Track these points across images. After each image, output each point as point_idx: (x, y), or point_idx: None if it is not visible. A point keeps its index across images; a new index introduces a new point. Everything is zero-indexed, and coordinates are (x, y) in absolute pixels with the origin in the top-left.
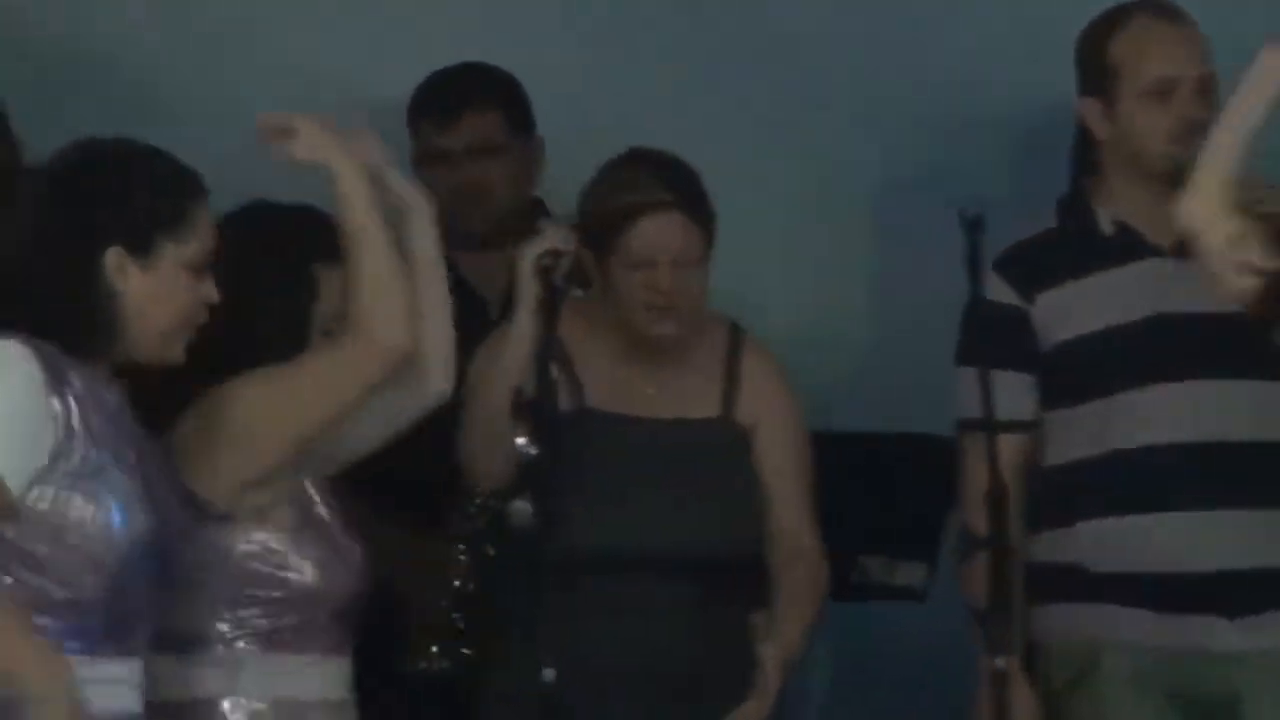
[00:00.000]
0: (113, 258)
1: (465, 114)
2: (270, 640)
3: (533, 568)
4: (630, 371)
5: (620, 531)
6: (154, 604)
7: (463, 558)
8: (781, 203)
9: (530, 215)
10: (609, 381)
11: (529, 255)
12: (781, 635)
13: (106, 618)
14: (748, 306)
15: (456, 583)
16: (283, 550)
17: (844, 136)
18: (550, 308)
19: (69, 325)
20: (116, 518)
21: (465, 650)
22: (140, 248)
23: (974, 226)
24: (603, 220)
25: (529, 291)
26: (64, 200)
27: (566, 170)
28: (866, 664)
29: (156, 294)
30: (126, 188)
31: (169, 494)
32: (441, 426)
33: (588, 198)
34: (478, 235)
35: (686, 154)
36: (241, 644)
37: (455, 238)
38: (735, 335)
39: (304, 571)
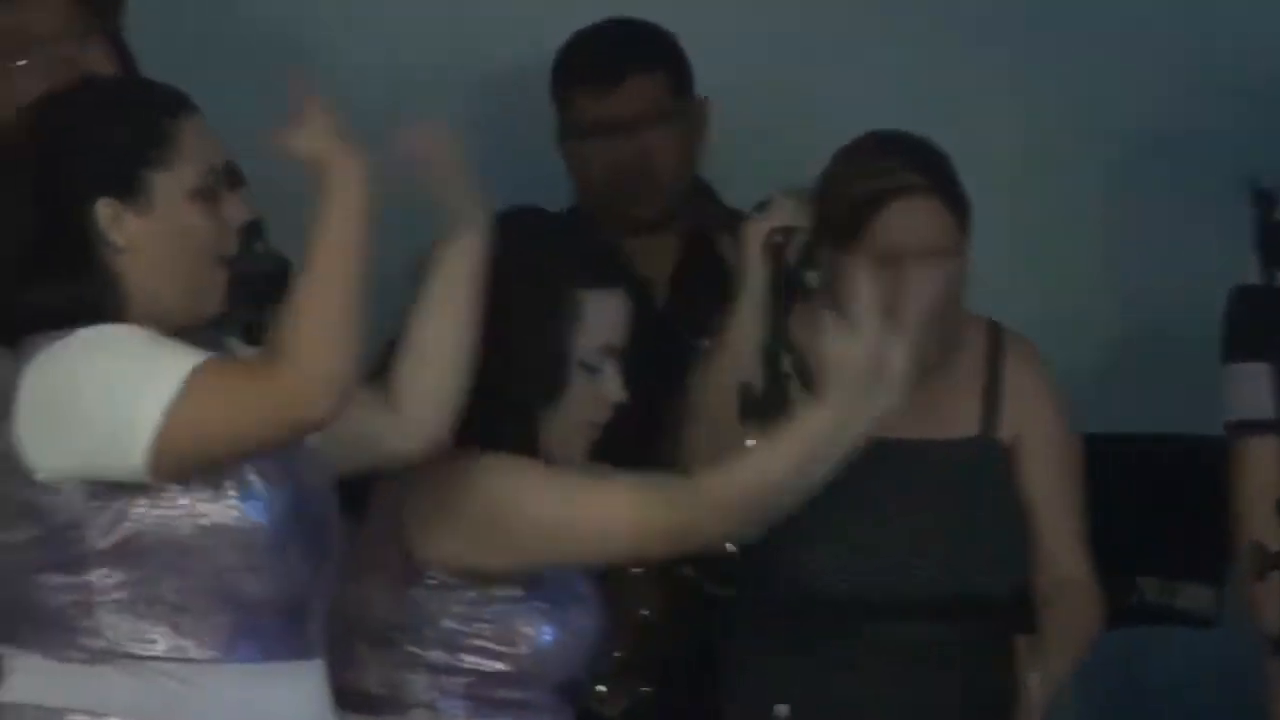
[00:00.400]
0: (104, 210)
1: (629, 77)
2: (479, 710)
3: (760, 598)
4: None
5: (864, 570)
6: (323, 595)
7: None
8: (1008, 181)
9: (697, 192)
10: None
11: (756, 231)
12: (1048, 668)
13: (275, 615)
14: (975, 300)
15: (645, 612)
16: (504, 619)
17: (1083, 103)
18: (780, 292)
19: (64, 307)
20: (249, 506)
21: (644, 688)
22: (126, 189)
23: (1265, 200)
24: (843, 211)
25: (756, 274)
26: (31, 167)
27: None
28: (1140, 699)
29: (165, 236)
30: (88, 130)
31: (315, 475)
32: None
33: (823, 186)
34: (644, 216)
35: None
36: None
37: (613, 220)
38: (995, 336)
39: (523, 643)
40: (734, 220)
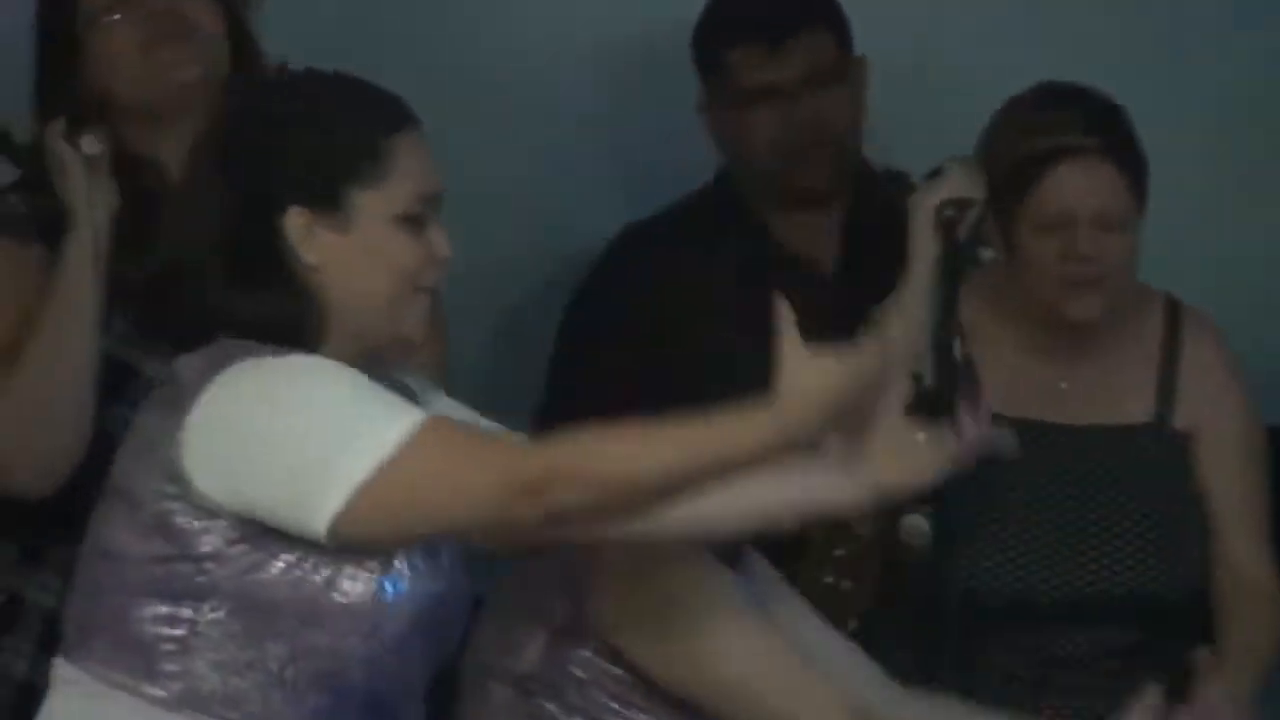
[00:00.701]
0: (294, 220)
1: (798, 35)
2: None
3: (926, 598)
4: (1039, 364)
5: (1029, 569)
6: (424, 683)
7: (827, 579)
8: (1197, 143)
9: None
10: (1011, 376)
11: (927, 205)
12: (1228, 682)
13: (368, 693)
14: (1160, 277)
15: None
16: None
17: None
18: (953, 271)
19: (263, 314)
20: (393, 595)
21: None
22: (325, 202)
23: None
24: (1007, 171)
25: (926, 251)
26: (226, 164)
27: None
28: None
29: (360, 258)
30: (293, 131)
31: (462, 576)
32: None
33: (985, 144)
34: (816, 186)
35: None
36: None
37: (777, 192)
38: (1173, 314)
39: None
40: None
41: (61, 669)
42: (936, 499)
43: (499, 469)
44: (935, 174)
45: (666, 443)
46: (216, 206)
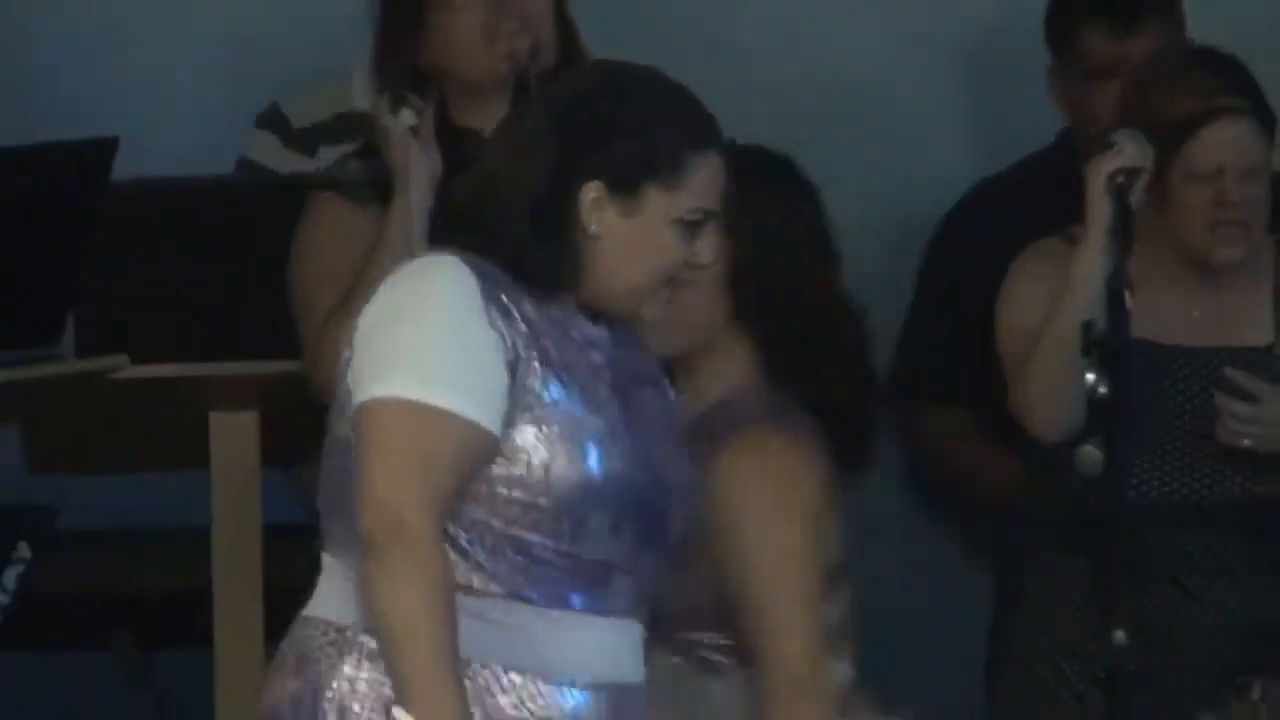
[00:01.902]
0: (590, 193)
1: (1145, 17)
2: None
3: (1101, 521)
4: (1178, 296)
5: (1176, 479)
6: (649, 571)
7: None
8: None
9: None
10: (1154, 309)
11: (1102, 173)
12: None
13: (589, 570)
14: None
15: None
16: None
17: None
18: (1125, 230)
19: (533, 256)
20: (591, 459)
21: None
22: (623, 188)
23: None
24: (1161, 128)
25: (1100, 212)
26: (554, 126)
27: None
28: None
29: (633, 243)
30: (620, 120)
31: (670, 454)
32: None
33: (1133, 105)
34: None
35: None
36: None
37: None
38: None
39: None
40: None
41: (324, 559)
42: (1110, 432)
43: (381, 490)
44: (1108, 144)
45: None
46: (531, 163)
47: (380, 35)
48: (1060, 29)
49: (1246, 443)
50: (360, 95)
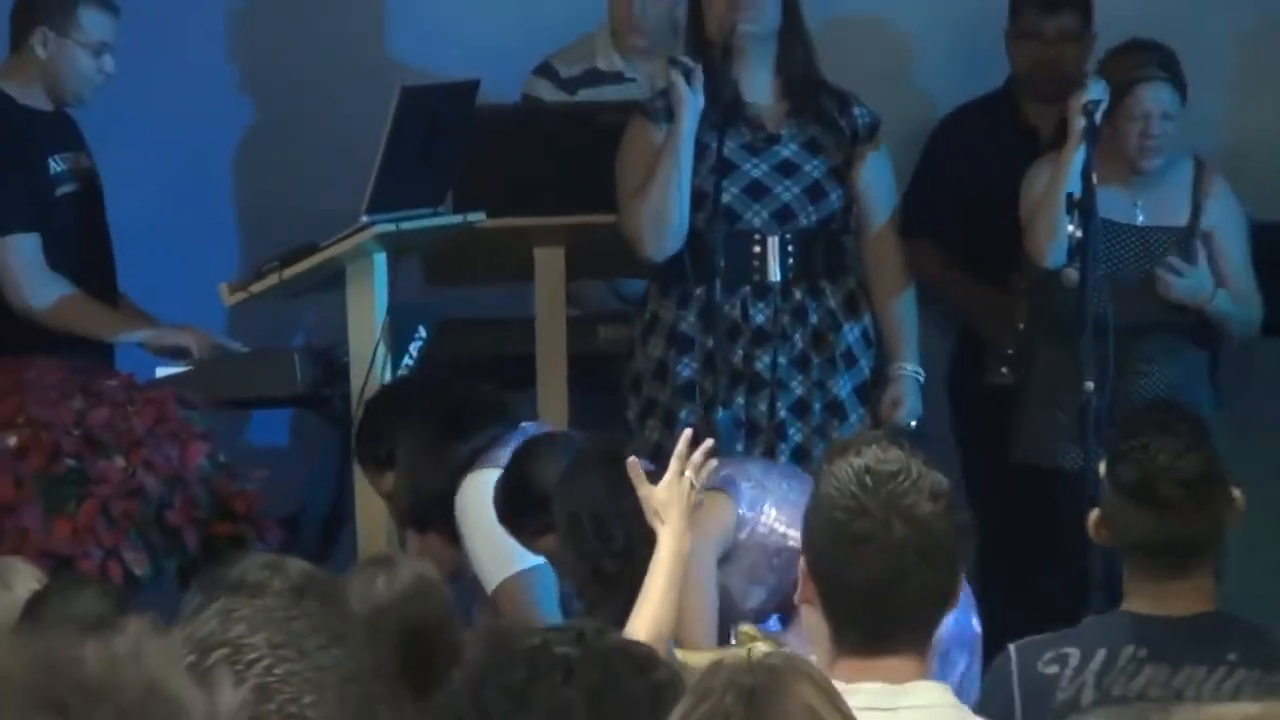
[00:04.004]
0: None
1: (1065, 3)
2: None
3: (1076, 314)
4: (1123, 193)
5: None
6: None
7: (1026, 304)
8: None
9: None
10: (1110, 200)
11: (1080, 100)
12: None
13: None
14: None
15: (1021, 325)
16: None
17: None
18: (1092, 138)
19: None
20: None
21: (1019, 370)
22: None
23: None
24: (1115, 85)
25: (1078, 126)
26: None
27: None
28: None
29: None
30: None
31: None
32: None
33: (1100, 69)
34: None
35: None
36: None
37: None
38: (1199, 165)
39: None
40: None
41: None
42: (1083, 261)
43: None
44: (1082, 84)
45: None
46: None
47: (689, 8)
48: (1013, 5)
49: (1175, 293)
50: (601, 56)
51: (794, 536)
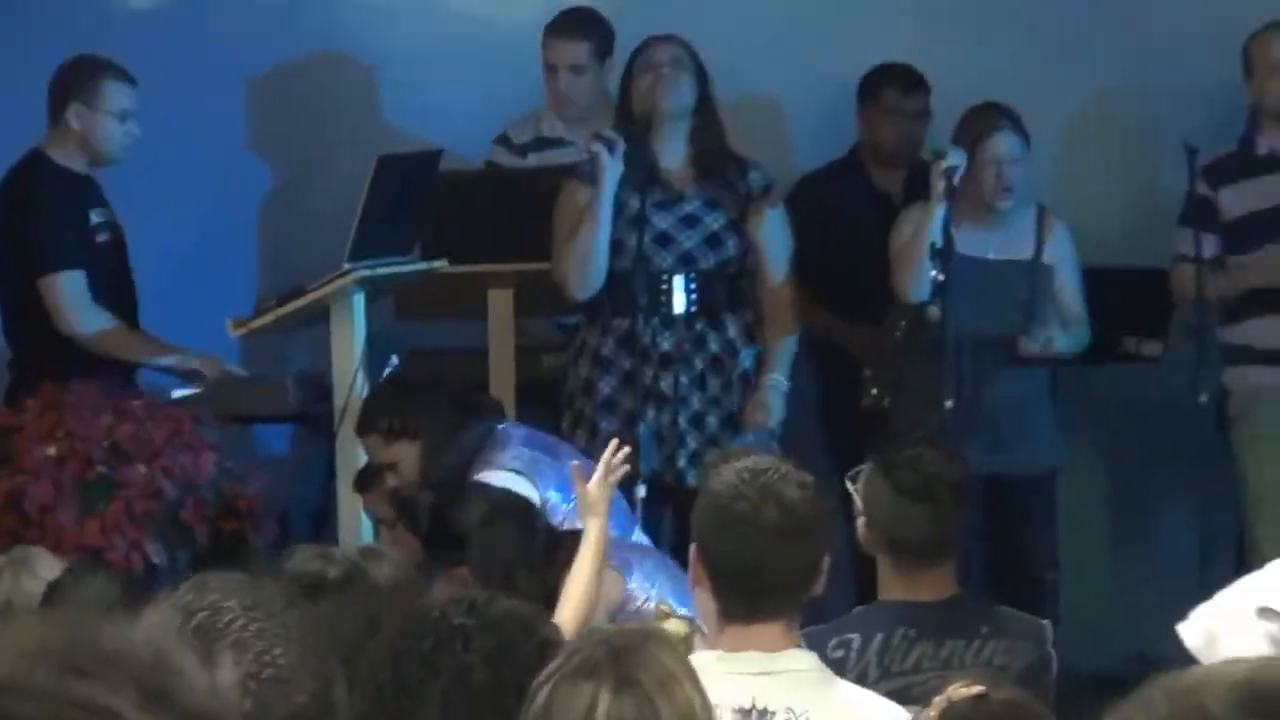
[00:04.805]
0: None
1: (918, 86)
2: None
3: (938, 344)
4: (978, 230)
5: (992, 321)
6: None
7: (897, 335)
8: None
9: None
10: (969, 237)
11: (940, 167)
12: None
13: None
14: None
15: (892, 354)
16: None
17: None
18: (951, 197)
19: None
20: None
21: (890, 393)
22: None
23: (1191, 154)
24: (970, 137)
25: (939, 189)
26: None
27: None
28: None
29: None
30: None
31: None
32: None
33: (959, 128)
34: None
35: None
36: None
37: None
38: (1040, 210)
39: None
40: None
41: None
42: (945, 298)
43: None
44: (940, 152)
45: None
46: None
47: (620, 87)
48: (869, 87)
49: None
50: (546, 124)
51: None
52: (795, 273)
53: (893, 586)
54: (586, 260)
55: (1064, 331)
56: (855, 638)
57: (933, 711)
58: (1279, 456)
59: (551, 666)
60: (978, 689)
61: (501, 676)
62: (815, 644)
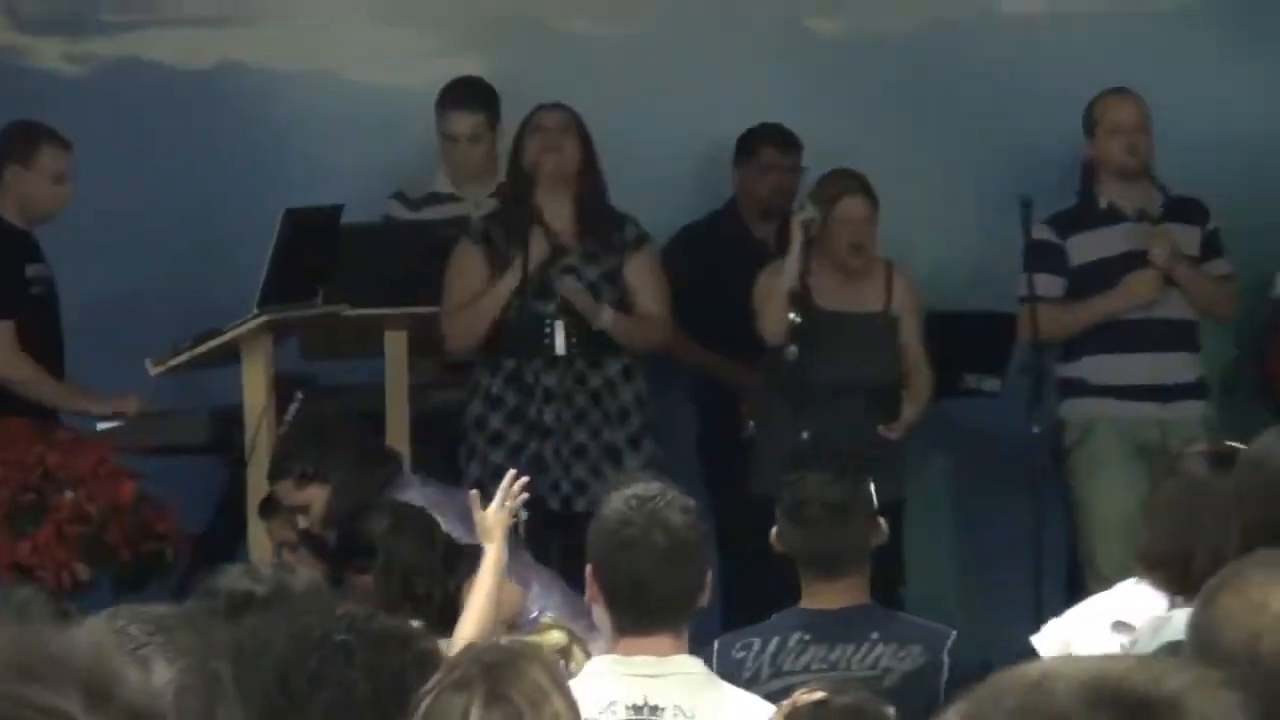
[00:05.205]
0: None
1: (791, 143)
2: None
3: (797, 382)
4: (833, 285)
5: (833, 372)
6: None
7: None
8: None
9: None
10: (824, 291)
11: (798, 219)
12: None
13: None
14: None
15: (759, 390)
16: None
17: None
18: (808, 248)
19: None
20: None
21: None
22: None
23: (1026, 205)
24: (825, 199)
25: (798, 238)
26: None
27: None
28: None
29: None
30: None
31: None
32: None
33: (815, 190)
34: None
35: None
36: None
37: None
38: (888, 265)
39: None
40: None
41: None
42: (801, 341)
43: None
44: (800, 206)
45: None
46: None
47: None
48: (747, 145)
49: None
50: (438, 182)
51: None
52: (679, 315)
53: (806, 595)
54: (470, 335)
55: (910, 397)
56: (756, 641)
57: (779, 716)
58: (1111, 482)
59: (433, 680)
60: (819, 694)
61: (381, 689)
62: (724, 647)
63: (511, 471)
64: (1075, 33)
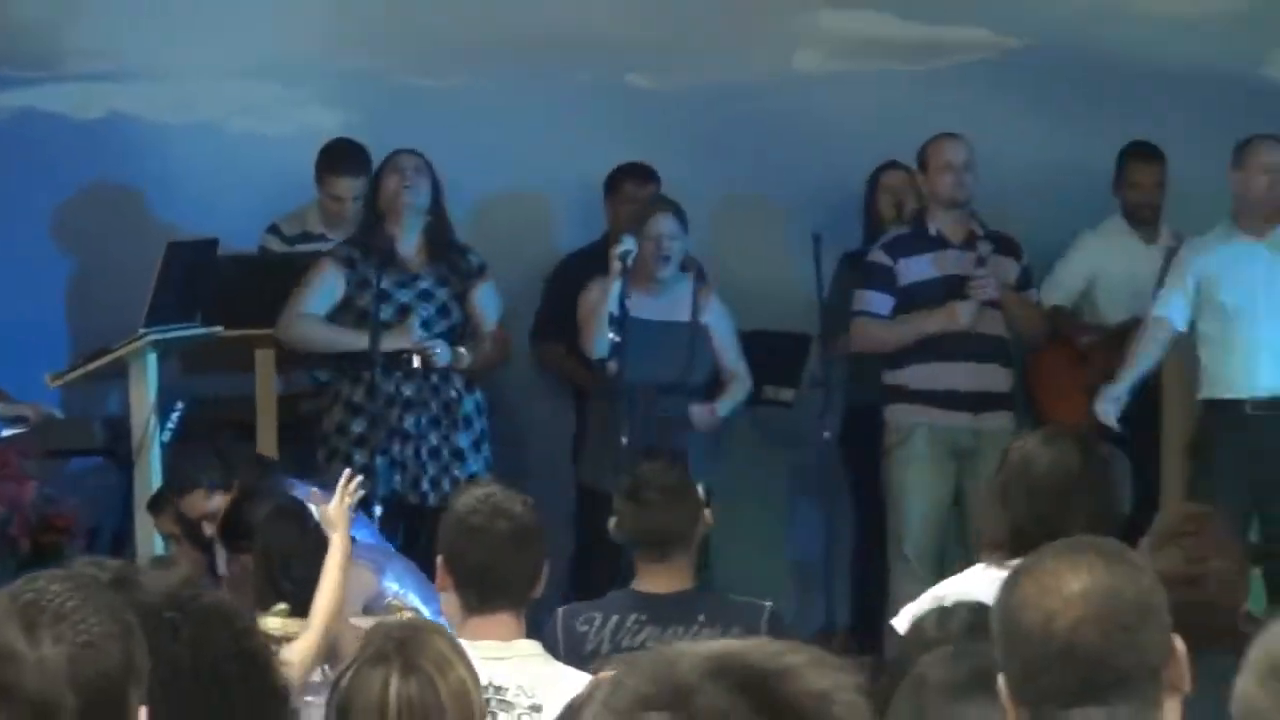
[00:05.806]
0: None
1: (651, 178)
2: None
3: (615, 393)
4: (649, 298)
5: (647, 375)
6: None
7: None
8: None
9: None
10: (642, 304)
11: (615, 252)
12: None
13: None
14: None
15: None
16: None
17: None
18: (625, 274)
19: None
20: None
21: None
22: None
23: (817, 241)
24: (643, 223)
25: (615, 267)
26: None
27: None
28: None
29: None
30: None
31: None
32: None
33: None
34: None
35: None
36: None
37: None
38: (699, 276)
39: None
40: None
41: None
42: (620, 355)
43: None
44: (620, 240)
45: None
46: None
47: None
48: (613, 182)
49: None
50: (311, 222)
51: (418, 609)
52: (557, 329)
53: (638, 578)
54: (302, 347)
55: (725, 395)
56: (598, 616)
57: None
58: (924, 480)
59: (352, 657)
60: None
61: (203, 663)
62: (569, 618)
63: (348, 471)
64: (865, 87)
